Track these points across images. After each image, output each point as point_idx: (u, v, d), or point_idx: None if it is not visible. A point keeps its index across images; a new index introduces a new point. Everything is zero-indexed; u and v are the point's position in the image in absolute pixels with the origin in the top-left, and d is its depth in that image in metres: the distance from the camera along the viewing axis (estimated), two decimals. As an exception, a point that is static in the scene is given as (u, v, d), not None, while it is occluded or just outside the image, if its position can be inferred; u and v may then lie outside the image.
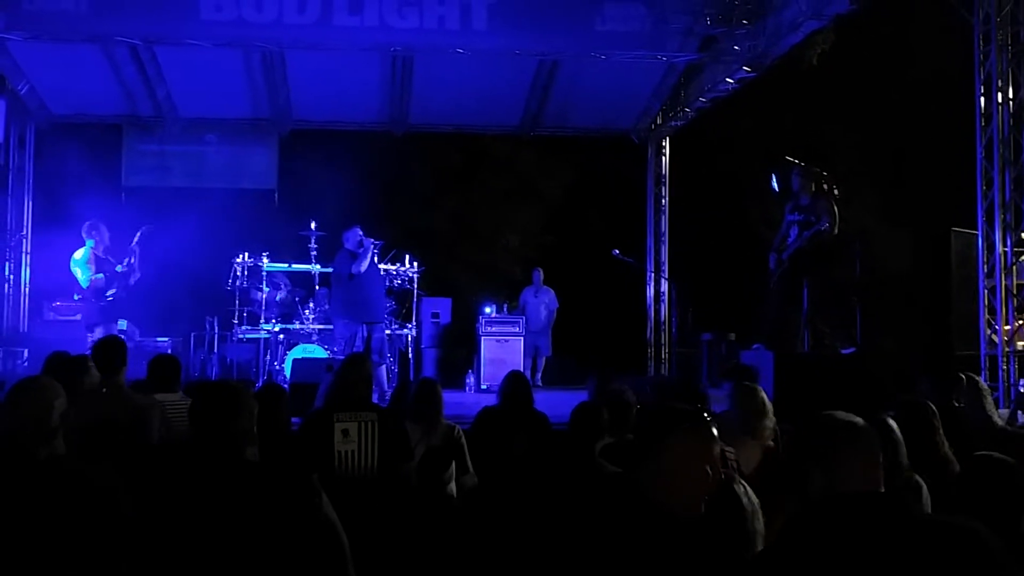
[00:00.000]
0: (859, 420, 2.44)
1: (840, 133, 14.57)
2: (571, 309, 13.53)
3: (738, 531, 3.10)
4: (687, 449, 2.58)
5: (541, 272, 13.16)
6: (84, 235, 9.53)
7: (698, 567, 2.52)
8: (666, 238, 13.86)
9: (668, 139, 13.88)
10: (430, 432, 5.33)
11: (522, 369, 11.49)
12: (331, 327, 11.51)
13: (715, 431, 2.62)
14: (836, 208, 9.06)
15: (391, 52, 11.02)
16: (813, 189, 9.19)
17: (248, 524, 2.58)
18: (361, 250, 10.07)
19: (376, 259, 10.49)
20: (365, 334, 10.07)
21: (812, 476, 2.40)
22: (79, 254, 9.46)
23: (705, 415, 2.67)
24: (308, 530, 2.62)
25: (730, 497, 3.20)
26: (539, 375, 12.71)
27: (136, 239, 9.70)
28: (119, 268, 9.52)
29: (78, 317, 10.74)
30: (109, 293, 9.40)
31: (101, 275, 9.37)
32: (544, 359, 12.87)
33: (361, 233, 10.19)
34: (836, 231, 9.06)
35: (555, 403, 7.82)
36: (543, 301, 12.96)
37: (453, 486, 5.12)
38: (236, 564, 2.52)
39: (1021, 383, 8.06)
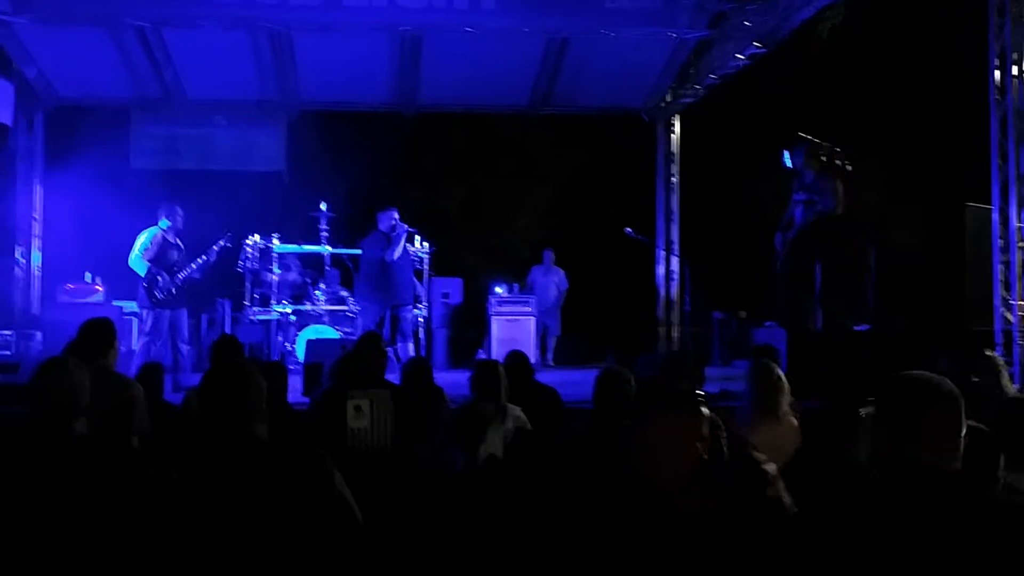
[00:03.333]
0: (945, 382, 2.33)
1: (852, 108, 14.47)
2: (582, 288, 13.50)
3: (759, 496, 3.12)
4: (675, 427, 2.68)
5: (552, 252, 13.18)
6: (161, 214, 9.62)
7: (688, 539, 2.57)
8: (676, 216, 13.79)
9: (678, 117, 13.80)
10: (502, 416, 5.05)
11: (533, 348, 11.51)
12: (343, 308, 11.55)
13: (704, 410, 2.74)
14: (841, 186, 8.99)
15: (399, 32, 10.96)
16: (817, 167, 9.12)
17: (260, 502, 2.57)
18: (394, 234, 10.07)
19: (406, 244, 10.52)
20: (390, 316, 10.10)
21: (887, 441, 2.29)
22: (142, 239, 9.52)
23: (698, 394, 2.84)
24: (321, 507, 2.62)
25: (749, 464, 3.22)
26: (550, 354, 12.72)
27: (217, 248, 9.87)
28: (192, 265, 9.68)
29: (94, 299, 10.83)
30: (151, 284, 9.46)
31: (151, 271, 9.45)
32: (554, 338, 12.87)
33: (396, 216, 10.19)
34: (841, 210, 8.98)
35: (567, 382, 7.82)
36: (553, 280, 12.97)
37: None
38: (249, 542, 2.51)
39: None
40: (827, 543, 2.26)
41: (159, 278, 9.41)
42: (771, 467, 3.23)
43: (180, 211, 9.77)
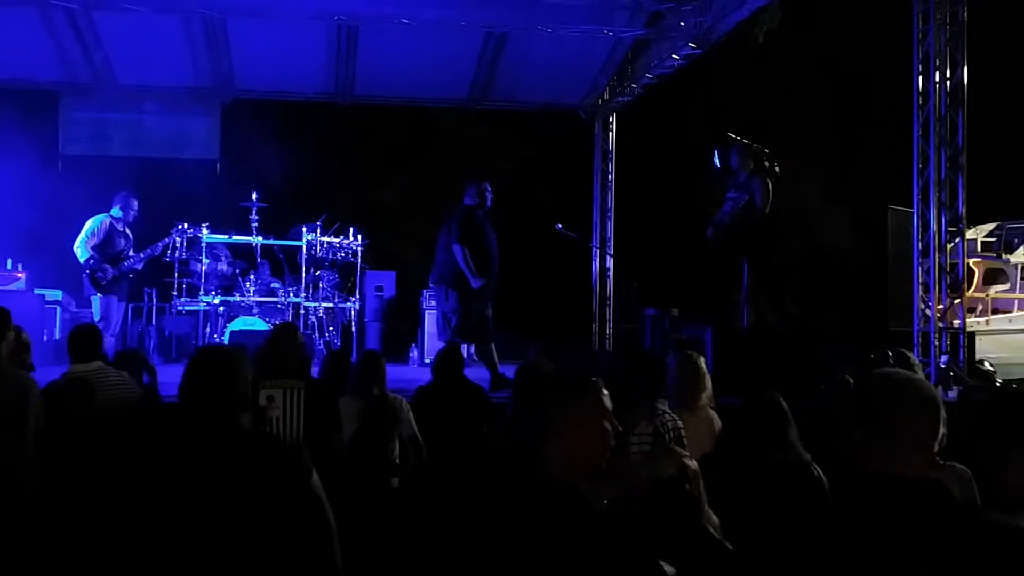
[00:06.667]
0: (925, 384, 2.19)
1: (784, 111, 14.69)
2: (517, 284, 13.49)
3: (683, 495, 3.13)
4: (579, 414, 2.61)
5: None
6: (116, 203, 9.56)
7: (604, 544, 2.49)
8: (612, 214, 13.88)
9: (615, 115, 13.88)
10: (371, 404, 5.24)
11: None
12: (273, 299, 11.38)
13: (606, 392, 2.66)
14: (770, 186, 9.14)
15: (336, 21, 10.85)
16: (751, 167, 9.27)
17: (232, 492, 2.49)
18: (481, 212, 8.55)
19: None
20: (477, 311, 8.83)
21: (859, 439, 2.15)
22: (88, 225, 9.41)
23: (594, 379, 2.70)
24: (295, 505, 2.54)
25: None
26: (472, 348, 12.59)
27: (166, 242, 10.05)
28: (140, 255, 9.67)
29: (15, 287, 10.59)
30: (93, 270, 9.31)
31: (93, 258, 9.33)
32: None
33: (489, 189, 8.66)
34: (768, 210, 9.13)
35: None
36: None
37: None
38: (215, 531, 2.44)
39: (943, 359, 8.19)
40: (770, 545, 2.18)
41: (101, 265, 9.29)
42: (693, 464, 3.25)
43: (136, 204, 9.74)
